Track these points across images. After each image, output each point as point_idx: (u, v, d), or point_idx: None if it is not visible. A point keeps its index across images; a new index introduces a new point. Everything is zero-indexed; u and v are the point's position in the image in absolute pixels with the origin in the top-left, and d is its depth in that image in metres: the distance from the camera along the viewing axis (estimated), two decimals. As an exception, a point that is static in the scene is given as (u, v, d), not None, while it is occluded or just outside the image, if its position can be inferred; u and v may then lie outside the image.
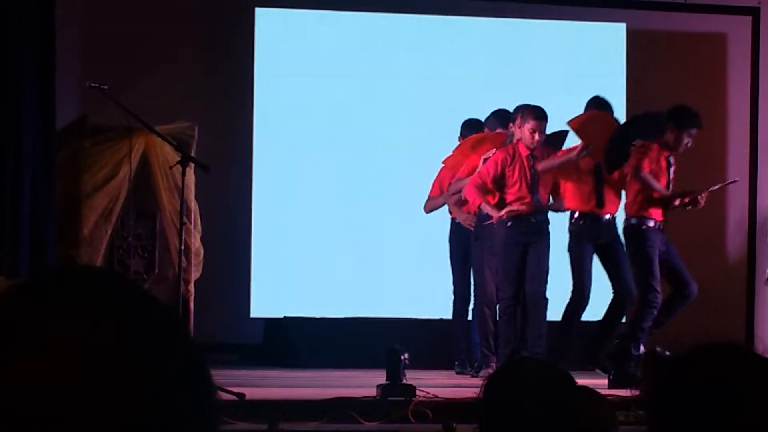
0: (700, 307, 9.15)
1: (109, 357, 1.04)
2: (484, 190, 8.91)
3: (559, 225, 9.05)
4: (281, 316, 10.64)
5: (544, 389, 2.56)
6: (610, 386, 8.25)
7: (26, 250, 7.80)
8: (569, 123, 8.94)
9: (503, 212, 8.81)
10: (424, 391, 7.53)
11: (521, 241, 8.88)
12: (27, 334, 1.05)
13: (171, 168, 8.09)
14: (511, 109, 9.18)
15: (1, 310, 1.07)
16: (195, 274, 8.60)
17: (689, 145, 8.77)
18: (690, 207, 8.83)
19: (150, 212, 8.59)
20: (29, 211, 7.84)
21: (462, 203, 9.37)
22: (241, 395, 7.15)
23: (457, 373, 9.64)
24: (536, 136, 8.84)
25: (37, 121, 7.92)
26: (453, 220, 9.77)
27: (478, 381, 2.83)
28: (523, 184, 8.91)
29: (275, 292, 10.75)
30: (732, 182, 9.42)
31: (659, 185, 8.70)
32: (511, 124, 9.10)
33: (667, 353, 8.78)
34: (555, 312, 8.94)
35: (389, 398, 7.42)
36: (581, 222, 8.99)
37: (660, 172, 8.73)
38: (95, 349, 1.04)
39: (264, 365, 10.07)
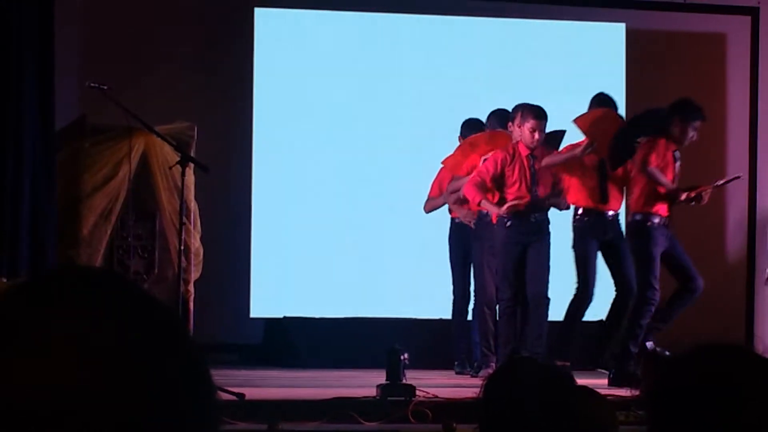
0: (700, 307, 9.15)
1: (109, 357, 1.04)
2: (483, 188, 8.91)
3: (560, 224, 9.05)
4: (281, 316, 10.64)
5: (544, 389, 2.56)
6: (610, 384, 8.27)
7: (26, 250, 7.80)
8: (575, 121, 8.93)
9: (503, 209, 8.82)
10: (423, 391, 7.54)
11: (521, 241, 8.88)
12: (27, 334, 1.05)
13: (171, 168, 8.09)
14: (510, 109, 9.18)
15: (1, 310, 1.07)
16: (195, 274, 8.59)
17: (694, 138, 8.77)
18: (694, 203, 8.83)
19: (150, 212, 8.59)
20: (29, 211, 7.84)
21: (461, 202, 9.37)
22: (241, 395, 7.15)
23: (457, 373, 9.64)
24: (536, 136, 8.84)
25: (37, 121, 7.91)
26: (453, 220, 9.77)
27: (478, 381, 2.83)
28: (523, 184, 8.91)
29: (275, 292, 10.75)
30: (736, 177, 9.42)
31: (666, 179, 8.70)
32: (510, 124, 9.10)
33: (667, 353, 8.80)
34: (556, 312, 8.94)
35: (389, 398, 7.42)
36: (586, 218, 8.98)
37: (666, 166, 8.73)
38: (95, 349, 1.04)
39: (264, 365, 10.07)
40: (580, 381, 2.77)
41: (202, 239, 8.72)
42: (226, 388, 7.03)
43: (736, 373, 1.77)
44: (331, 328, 10.39)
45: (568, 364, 8.26)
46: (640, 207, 8.75)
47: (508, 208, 8.82)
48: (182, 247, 7.72)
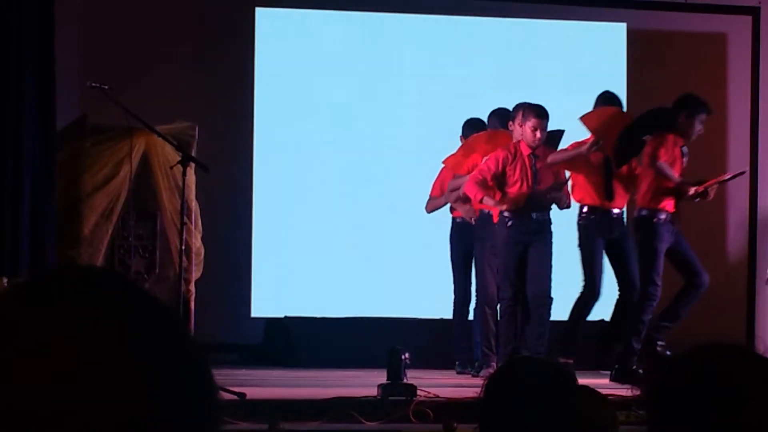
0: (701, 307, 9.14)
1: (109, 357, 1.04)
2: (484, 186, 8.90)
3: (562, 224, 9.04)
4: (282, 316, 10.64)
5: (545, 389, 2.56)
6: (612, 380, 8.27)
7: (26, 250, 7.80)
8: (582, 118, 8.91)
9: (504, 205, 8.82)
10: (424, 391, 7.53)
11: (522, 241, 8.88)
12: (27, 334, 1.05)
13: (171, 168, 8.10)
14: (511, 109, 9.18)
15: (1, 310, 1.07)
16: (196, 273, 8.60)
17: (701, 132, 8.79)
18: (699, 199, 8.83)
19: (151, 212, 8.59)
20: (29, 211, 7.83)
21: (462, 200, 9.37)
22: (241, 395, 7.15)
23: (458, 373, 9.63)
24: (537, 134, 8.84)
25: (37, 121, 7.91)
26: (454, 219, 9.77)
27: (479, 381, 2.82)
28: (525, 183, 8.91)
29: (276, 292, 10.75)
30: (740, 173, 9.43)
31: (674, 174, 8.70)
32: (510, 123, 9.10)
33: (668, 353, 8.80)
34: (559, 312, 8.93)
35: (390, 398, 7.42)
36: (591, 216, 8.97)
37: (674, 161, 8.73)
38: (95, 349, 1.04)
39: (264, 365, 10.07)
40: (583, 380, 2.76)
41: (203, 239, 8.72)
42: (226, 387, 7.03)
43: (736, 373, 1.77)
44: (332, 327, 10.39)
45: (572, 361, 8.26)
46: (647, 202, 8.75)
47: (509, 202, 8.82)
48: (183, 247, 7.72)
